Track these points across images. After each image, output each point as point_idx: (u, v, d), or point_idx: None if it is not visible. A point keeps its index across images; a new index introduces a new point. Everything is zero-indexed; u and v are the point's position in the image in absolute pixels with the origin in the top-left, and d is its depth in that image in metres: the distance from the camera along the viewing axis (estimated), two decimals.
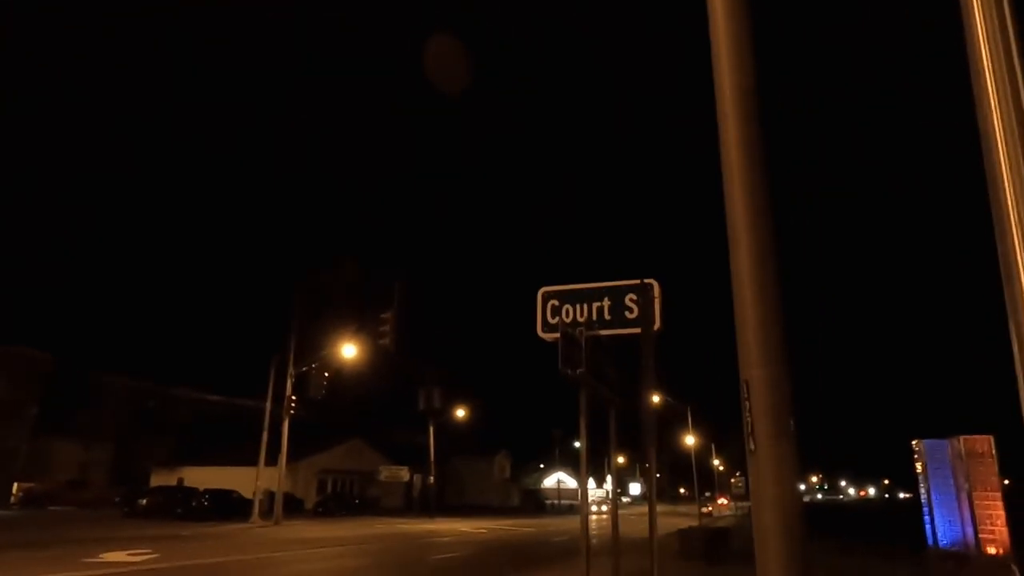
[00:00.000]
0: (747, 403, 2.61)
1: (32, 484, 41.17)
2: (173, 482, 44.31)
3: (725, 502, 72.90)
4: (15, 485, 40.62)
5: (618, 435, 6.20)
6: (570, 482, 78.94)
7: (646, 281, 5.16)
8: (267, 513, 31.37)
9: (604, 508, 56.15)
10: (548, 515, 57.22)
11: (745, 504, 61.71)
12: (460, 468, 70.33)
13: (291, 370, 31.31)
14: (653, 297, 5.09)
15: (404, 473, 52.75)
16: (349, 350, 30.41)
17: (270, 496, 33.13)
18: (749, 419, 2.59)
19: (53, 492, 41.13)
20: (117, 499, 38.09)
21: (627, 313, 5.22)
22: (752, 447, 2.57)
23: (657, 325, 5.06)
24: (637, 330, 5.16)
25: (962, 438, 18.99)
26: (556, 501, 74.39)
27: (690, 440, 49.08)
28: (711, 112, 3.11)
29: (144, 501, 33.13)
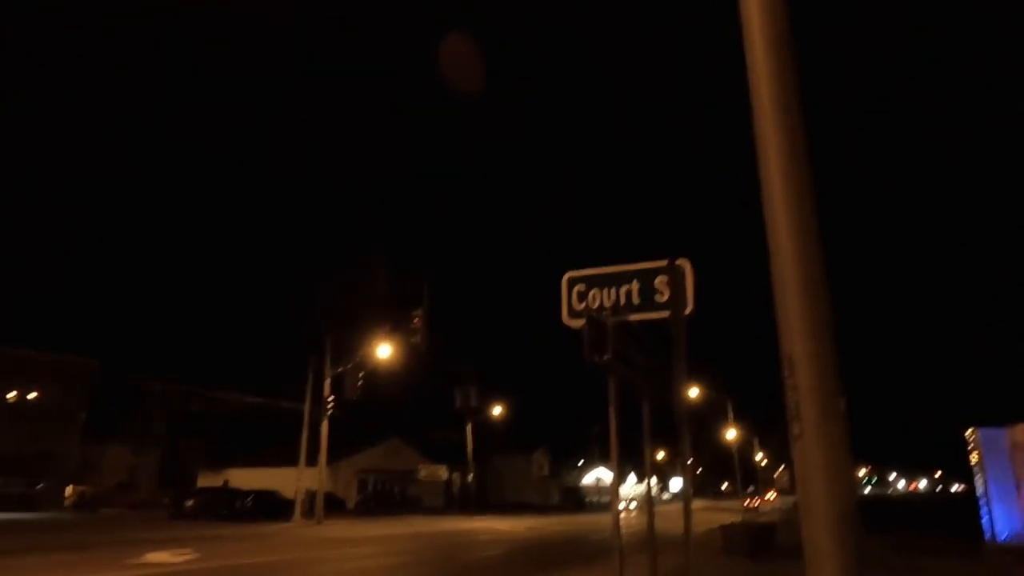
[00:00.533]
0: (790, 381, 2.32)
1: (84, 487, 42.43)
2: (219, 483, 45.21)
3: (773, 496, 71.31)
4: (69, 488, 41.90)
5: (654, 428, 5.92)
6: (610, 479, 78.36)
7: (676, 262, 4.87)
8: (309, 513, 31.73)
9: (633, 505, 55.50)
10: (588, 512, 56.82)
11: (792, 498, 60.35)
12: (499, 466, 70.32)
13: (328, 371, 31.62)
14: (684, 278, 4.80)
15: (443, 472, 52.92)
16: (383, 350, 30.58)
17: (311, 496, 33.52)
18: (794, 399, 2.30)
19: (104, 495, 42.35)
20: (165, 501, 39.02)
21: (657, 296, 4.94)
22: (797, 431, 2.29)
23: (689, 308, 4.77)
24: (666, 314, 4.87)
25: (1020, 426, 18.10)
26: (596, 498, 73.90)
27: (731, 434, 48.17)
28: (737, 82, 2.83)
29: (190, 502, 33.83)
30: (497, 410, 56.15)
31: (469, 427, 47.37)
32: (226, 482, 46.19)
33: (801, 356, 2.30)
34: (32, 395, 40.64)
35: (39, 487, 39.19)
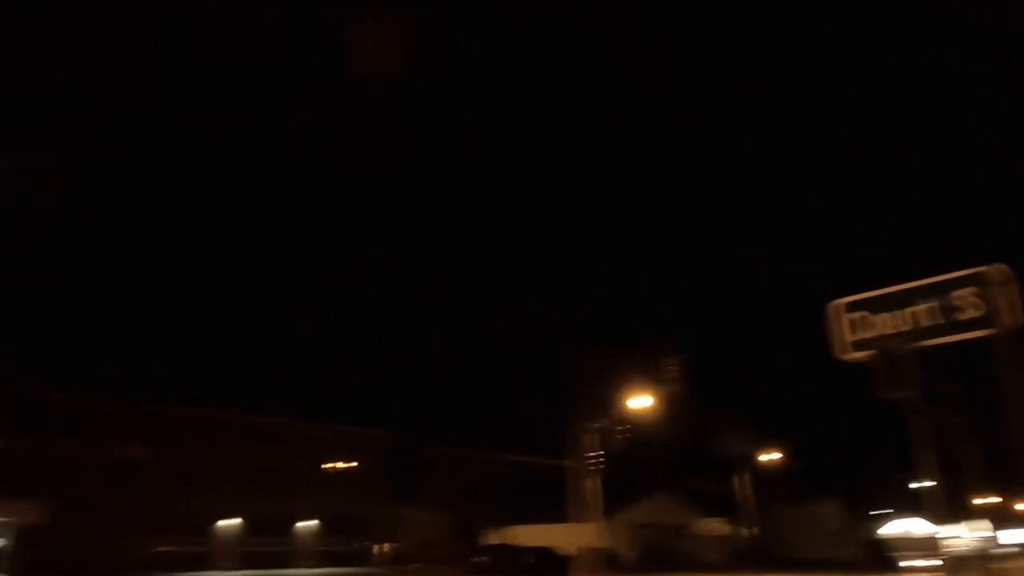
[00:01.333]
0: None
1: (393, 545, 48.08)
2: (500, 540, 47.85)
3: None
4: (375, 546, 47.81)
5: (980, 469, 4.94)
6: (922, 530, 67.05)
7: (992, 267, 4.03)
8: (587, 569, 31.95)
9: (931, 562, 46.11)
10: (894, 571, 48.85)
11: None
12: (780, 518, 64.29)
13: (591, 427, 32.12)
14: (1001, 285, 3.97)
15: (719, 525, 49.88)
16: (642, 401, 30.33)
17: (588, 552, 33.80)
18: None
19: (408, 552, 47.47)
20: (458, 557, 42.40)
21: (958, 314, 4.16)
22: None
23: (1016, 320, 3.91)
24: (980, 333, 4.06)
25: None
26: (907, 553, 63.51)
27: None
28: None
29: (480, 559, 36.37)
30: (772, 455, 51.82)
31: (744, 477, 44.27)
32: (508, 539, 48.73)
33: None
34: (347, 465, 47.42)
35: (359, 545, 45.15)
